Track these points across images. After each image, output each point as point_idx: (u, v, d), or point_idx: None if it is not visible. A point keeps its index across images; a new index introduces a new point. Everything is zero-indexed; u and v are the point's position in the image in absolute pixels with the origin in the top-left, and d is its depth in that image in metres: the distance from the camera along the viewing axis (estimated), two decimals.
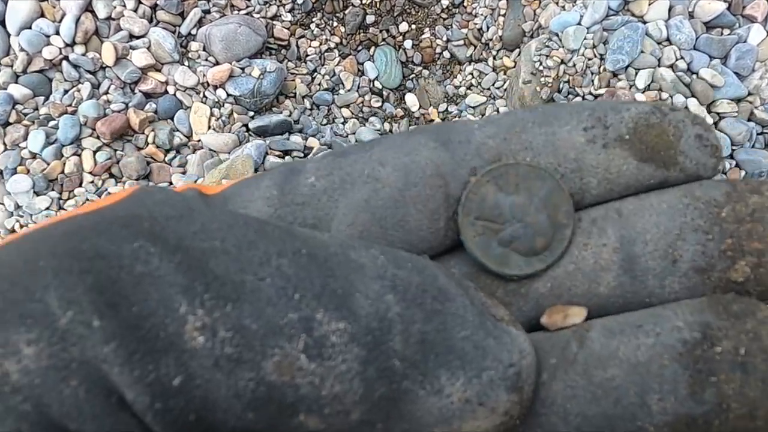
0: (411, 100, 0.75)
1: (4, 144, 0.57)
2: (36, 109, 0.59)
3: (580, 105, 0.17)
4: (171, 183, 0.60)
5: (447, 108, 0.76)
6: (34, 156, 0.57)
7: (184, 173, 0.60)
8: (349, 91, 0.74)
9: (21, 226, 0.57)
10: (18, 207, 0.57)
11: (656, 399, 0.13)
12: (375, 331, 0.12)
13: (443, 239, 0.16)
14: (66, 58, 0.60)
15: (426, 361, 0.12)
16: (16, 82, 0.59)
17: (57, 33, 0.60)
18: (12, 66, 0.59)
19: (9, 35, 0.60)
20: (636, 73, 0.61)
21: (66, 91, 0.60)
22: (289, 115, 0.68)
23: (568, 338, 0.14)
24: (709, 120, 0.60)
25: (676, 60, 0.61)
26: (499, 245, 0.16)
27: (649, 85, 0.61)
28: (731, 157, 0.61)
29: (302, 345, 0.11)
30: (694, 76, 0.61)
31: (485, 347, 0.13)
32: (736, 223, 0.14)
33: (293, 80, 0.71)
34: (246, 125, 0.64)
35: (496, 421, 0.13)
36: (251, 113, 0.66)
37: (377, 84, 0.75)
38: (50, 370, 0.11)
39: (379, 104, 0.74)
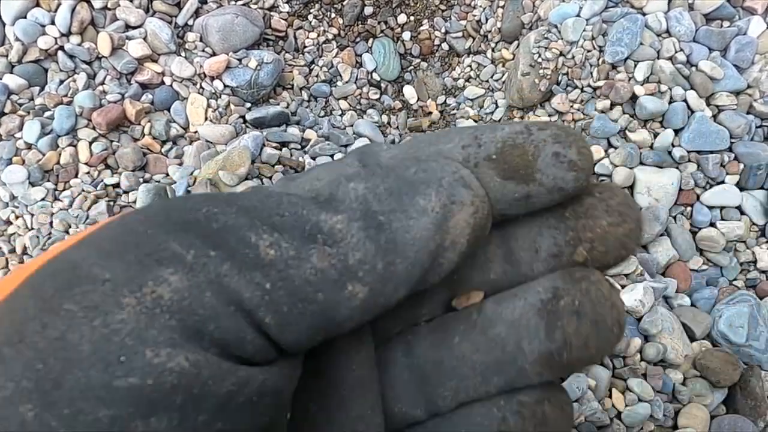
0: (409, 92, 0.75)
1: (0, 134, 0.57)
2: (31, 99, 0.59)
3: (471, 126, 0.20)
4: (167, 174, 0.59)
5: (445, 100, 0.75)
6: (29, 146, 0.57)
7: (180, 164, 0.60)
8: (347, 83, 0.73)
9: (16, 217, 0.56)
10: (13, 198, 0.57)
11: (527, 343, 0.19)
12: (360, 207, 0.17)
13: None
14: (61, 48, 0.60)
15: (401, 202, 0.17)
16: (11, 72, 0.59)
17: (52, 23, 0.59)
18: (7, 56, 0.59)
19: (4, 25, 0.59)
20: (635, 65, 0.61)
21: (61, 82, 0.60)
22: (287, 107, 0.68)
23: (471, 311, 0.20)
24: (708, 113, 0.60)
25: (676, 52, 0.61)
26: None
27: (648, 78, 0.61)
28: (730, 150, 0.60)
29: (321, 240, 0.17)
30: (694, 68, 0.61)
31: (433, 169, 0.18)
32: (575, 220, 0.20)
33: (291, 72, 0.71)
34: (243, 117, 0.64)
35: (469, 211, 0.17)
36: (248, 105, 0.66)
37: (375, 76, 0.74)
38: (192, 288, 0.15)
39: (377, 96, 0.74)
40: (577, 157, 0.18)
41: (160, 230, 0.16)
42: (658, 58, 0.61)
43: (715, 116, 0.61)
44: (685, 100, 0.60)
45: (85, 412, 0.13)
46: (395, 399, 0.21)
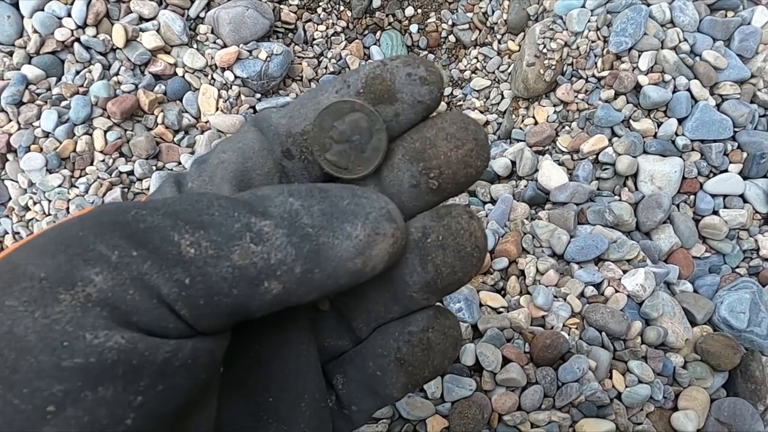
0: None
1: (18, 123, 0.59)
2: (49, 89, 0.61)
3: (340, 75, 0.24)
4: (179, 162, 0.61)
5: (452, 92, 0.76)
6: (47, 135, 0.59)
7: (192, 153, 0.62)
8: None
9: (34, 203, 0.58)
10: (31, 184, 0.59)
11: (408, 276, 0.23)
12: (288, 218, 0.19)
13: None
14: (78, 39, 0.61)
15: (331, 223, 0.19)
16: (30, 63, 0.61)
17: (69, 15, 0.61)
18: (25, 47, 0.61)
19: (22, 17, 0.61)
20: (639, 55, 0.62)
21: (77, 72, 0.61)
22: (296, 98, 0.69)
23: None
24: (712, 102, 0.61)
25: (680, 42, 0.61)
26: (335, 159, 0.23)
27: (652, 67, 0.61)
28: (733, 138, 0.61)
29: (249, 238, 0.18)
30: (697, 58, 0.62)
31: (364, 203, 0.20)
32: (422, 152, 0.23)
33: (300, 63, 0.72)
34: (253, 107, 0.66)
35: (389, 242, 0.20)
36: (258, 95, 0.67)
37: None
38: (115, 287, 0.17)
39: None
40: (426, 73, 0.22)
41: (90, 232, 0.17)
42: (662, 48, 0.62)
43: (718, 105, 0.61)
44: (688, 90, 0.61)
45: (41, 389, 0.15)
46: (325, 335, 0.25)
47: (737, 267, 0.60)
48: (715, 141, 0.60)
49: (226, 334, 0.20)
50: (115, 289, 0.17)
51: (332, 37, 0.75)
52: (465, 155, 0.22)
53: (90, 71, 0.61)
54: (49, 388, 0.15)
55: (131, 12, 0.63)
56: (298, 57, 0.73)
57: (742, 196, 0.60)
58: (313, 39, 0.74)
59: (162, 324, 0.17)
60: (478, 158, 0.23)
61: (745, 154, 0.60)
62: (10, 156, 0.59)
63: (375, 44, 0.76)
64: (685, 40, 0.62)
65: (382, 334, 0.25)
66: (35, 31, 0.60)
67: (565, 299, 0.51)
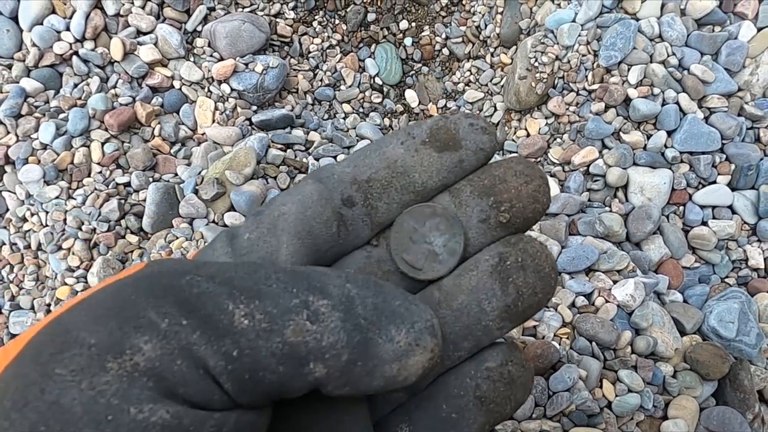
0: (411, 96, 0.77)
1: (17, 135, 0.59)
2: (47, 102, 0.61)
3: (403, 128, 0.25)
4: (176, 174, 0.62)
5: (446, 104, 0.77)
6: (44, 147, 0.60)
7: (188, 164, 0.62)
8: (350, 87, 0.75)
9: (32, 214, 0.59)
10: (29, 196, 0.59)
11: (486, 303, 0.23)
12: (345, 303, 0.19)
13: (338, 239, 0.24)
14: (76, 53, 0.62)
15: (379, 320, 0.19)
16: (28, 76, 0.61)
17: (67, 29, 0.62)
18: (24, 60, 0.61)
19: (21, 31, 0.62)
20: (628, 69, 0.63)
21: (76, 85, 0.62)
22: (292, 110, 0.70)
23: (432, 291, 0.24)
24: (700, 115, 0.62)
25: (668, 56, 0.63)
26: (411, 259, 0.24)
27: (641, 81, 0.62)
28: (721, 151, 0.62)
29: (305, 315, 0.18)
30: (686, 71, 0.63)
31: (412, 311, 0.20)
32: (491, 188, 0.24)
33: (296, 76, 0.73)
34: (249, 119, 0.66)
35: (427, 356, 0.20)
36: (254, 107, 0.68)
37: (378, 80, 0.77)
38: (163, 356, 0.17)
39: (380, 100, 0.76)
40: (485, 125, 0.24)
41: (142, 297, 0.17)
42: (651, 61, 0.63)
43: (706, 118, 0.62)
44: (677, 103, 0.62)
45: None
46: None
47: (726, 277, 0.61)
48: (703, 153, 0.61)
49: (268, 408, 0.19)
50: (163, 358, 0.17)
51: (327, 50, 0.76)
52: (534, 190, 0.23)
53: (88, 84, 0.62)
54: None
55: (129, 26, 0.64)
56: (294, 70, 0.74)
57: (730, 207, 0.61)
58: (309, 52, 0.75)
59: (207, 396, 0.17)
60: (545, 195, 0.24)
61: (733, 166, 0.62)
62: (8, 168, 0.60)
63: (370, 57, 0.78)
64: (674, 54, 0.63)
65: (456, 374, 0.24)
66: (34, 45, 0.61)
67: (556, 309, 0.52)
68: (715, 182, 0.62)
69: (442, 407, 0.23)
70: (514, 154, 0.67)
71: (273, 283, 0.18)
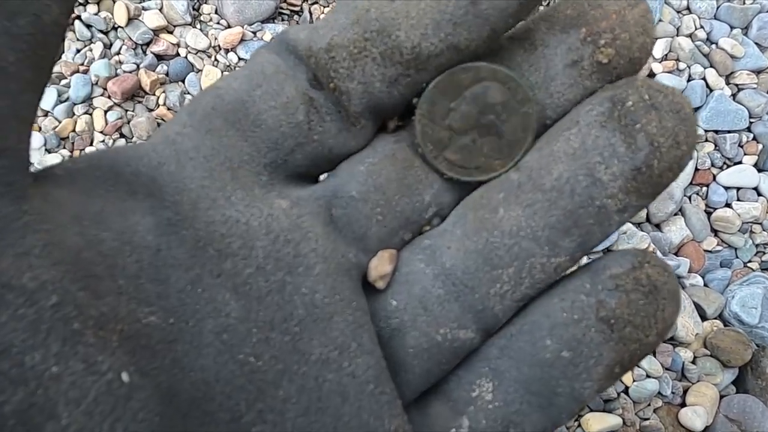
0: None
1: None
2: None
3: None
4: None
5: None
6: (46, 114, 0.58)
7: None
8: None
9: None
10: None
11: (602, 169, 0.15)
12: None
13: (309, 132, 0.16)
14: (78, 17, 0.60)
15: None
16: None
17: None
18: None
19: None
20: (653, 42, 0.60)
21: (78, 51, 0.60)
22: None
23: (506, 174, 0.17)
24: (727, 91, 0.59)
25: (696, 29, 0.60)
26: (459, 158, 0.16)
27: (666, 55, 0.60)
28: (749, 129, 0.59)
29: None
30: (713, 46, 0.60)
31: None
32: (581, 15, 0.17)
33: None
34: None
35: None
36: None
37: None
38: None
39: None
40: None
41: None
42: (677, 35, 0.60)
43: (734, 95, 0.60)
44: (703, 78, 0.59)
45: None
46: (434, 323, 0.16)
47: (749, 261, 0.59)
48: (729, 132, 0.59)
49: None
50: None
51: None
52: (642, 15, 0.17)
53: (91, 50, 0.60)
54: None
55: None
56: None
57: (756, 188, 0.59)
58: None
59: None
60: (651, 25, 0.17)
61: (760, 146, 0.59)
62: None
63: None
64: (702, 27, 0.60)
65: (559, 293, 0.16)
66: None
67: None
68: (740, 162, 0.59)
69: (545, 344, 0.16)
70: None
71: None
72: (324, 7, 0.75)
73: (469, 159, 0.16)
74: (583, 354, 0.15)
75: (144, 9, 0.61)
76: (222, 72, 0.63)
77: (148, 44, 0.63)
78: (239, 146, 0.16)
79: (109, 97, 0.59)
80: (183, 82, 0.64)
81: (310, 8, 0.74)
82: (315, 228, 0.16)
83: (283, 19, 0.74)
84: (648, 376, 0.47)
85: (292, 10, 0.74)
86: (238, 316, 0.15)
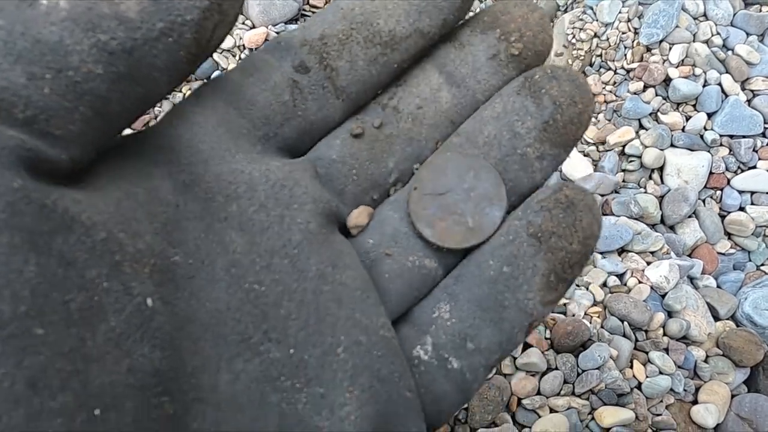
0: None
1: None
2: None
3: None
4: None
5: None
6: None
7: None
8: None
9: None
10: None
11: (520, 124, 0.20)
12: None
13: (294, 110, 0.20)
14: None
15: None
16: None
17: None
18: None
19: None
20: (670, 48, 0.61)
21: None
22: None
23: (450, 139, 0.22)
24: (743, 97, 0.60)
25: (712, 35, 0.61)
26: (439, 235, 0.20)
27: (682, 60, 0.61)
28: (764, 135, 0.60)
29: None
30: (730, 52, 0.61)
31: None
32: (494, 21, 0.22)
33: None
34: None
35: None
36: None
37: None
38: None
39: None
40: None
41: None
42: (693, 41, 0.61)
43: (749, 101, 0.61)
44: (719, 84, 0.60)
45: None
46: (404, 252, 0.20)
47: (762, 264, 0.59)
48: (744, 137, 0.60)
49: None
50: None
51: None
52: (541, 18, 0.21)
53: None
54: None
55: None
56: None
57: None
58: None
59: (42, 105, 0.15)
60: (549, 27, 0.21)
61: None
62: None
63: None
64: (718, 33, 0.61)
65: (493, 237, 0.20)
66: None
67: (587, 288, 0.51)
68: (755, 167, 0.60)
69: (488, 264, 0.19)
70: None
71: None
72: None
73: (446, 238, 0.20)
74: (521, 266, 0.19)
75: None
76: None
77: None
78: (238, 121, 0.20)
79: None
80: (208, 79, 0.65)
81: None
82: (305, 179, 0.20)
83: (305, 20, 0.76)
84: (661, 373, 0.48)
85: (314, 12, 0.75)
86: (242, 250, 0.18)
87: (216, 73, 0.64)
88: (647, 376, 0.48)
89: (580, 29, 0.64)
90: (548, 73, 0.20)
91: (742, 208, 0.60)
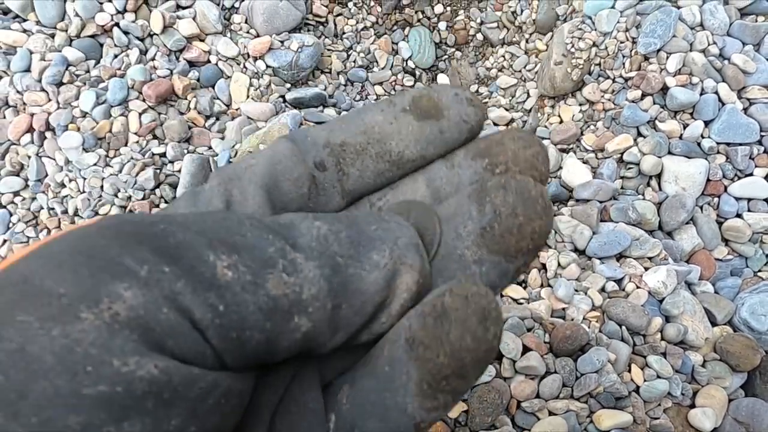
0: (443, 80, 0.77)
1: (58, 102, 0.61)
2: (87, 71, 0.62)
3: (386, 97, 0.24)
4: (210, 147, 0.62)
5: (478, 89, 0.77)
6: (84, 115, 0.61)
7: (222, 138, 0.63)
8: (382, 69, 0.76)
9: (70, 180, 0.60)
10: (68, 162, 0.60)
11: (462, 227, 0.20)
12: (318, 247, 0.17)
13: (308, 202, 0.22)
14: (117, 24, 0.63)
15: (358, 252, 0.18)
16: (70, 46, 0.63)
17: (110, 1, 0.63)
18: (67, 30, 0.63)
19: (65, 1, 0.63)
20: (667, 57, 0.62)
21: (116, 56, 0.63)
22: (324, 89, 0.70)
23: None
24: (739, 105, 0.61)
25: (709, 45, 0.62)
26: None
27: (680, 69, 0.62)
28: (760, 143, 0.61)
29: (281, 266, 0.17)
30: (726, 61, 0.62)
31: (392, 229, 0.19)
32: (486, 150, 0.22)
33: (329, 56, 0.74)
34: (283, 96, 0.67)
35: (416, 276, 0.18)
36: (288, 85, 0.68)
37: (410, 63, 0.77)
38: (147, 305, 0.14)
39: (412, 83, 0.76)
40: (470, 96, 0.23)
41: (114, 243, 0.15)
42: (690, 50, 0.62)
43: (745, 109, 0.61)
44: (716, 93, 0.61)
45: (54, 419, 0.13)
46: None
47: (759, 270, 0.60)
48: (741, 144, 0.60)
49: (252, 374, 0.17)
50: (147, 306, 0.14)
51: (362, 32, 0.76)
52: (533, 155, 0.22)
53: (127, 55, 0.63)
54: (63, 419, 0.13)
55: None
56: (328, 50, 0.74)
57: (767, 200, 0.60)
58: (343, 33, 0.76)
59: (197, 351, 0.15)
60: (543, 164, 0.22)
61: None
62: (48, 134, 0.61)
63: (403, 40, 0.78)
64: (715, 43, 0.62)
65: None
66: (77, 15, 0.62)
67: (586, 293, 0.52)
68: (751, 174, 0.61)
69: (379, 359, 0.19)
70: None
71: (247, 232, 0.17)
72: (348, 18, 0.77)
73: None
74: (396, 369, 0.18)
75: (178, 17, 0.64)
76: (250, 79, 0.66)
77: (181, 51, 0.65)
78: (260, 200, 0.22)
79: (143, 100, 0.62)
80: (213, 87, 0.67)
81: (335, 20, 0.77)
82: None
83: (309, 30, 0.77)
84: (659, 377, 0.49)
85: (317, 21, 0.76)
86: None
87: (220, 82, 0.65)
88: (645, 380, 0.48)
89: (579, 38, 0.65)
90: (501, 183, 0.20)
91: (739, 215, 0.60)
